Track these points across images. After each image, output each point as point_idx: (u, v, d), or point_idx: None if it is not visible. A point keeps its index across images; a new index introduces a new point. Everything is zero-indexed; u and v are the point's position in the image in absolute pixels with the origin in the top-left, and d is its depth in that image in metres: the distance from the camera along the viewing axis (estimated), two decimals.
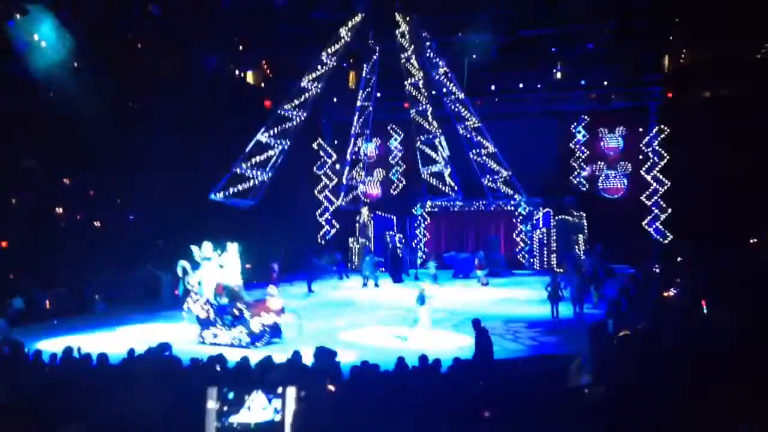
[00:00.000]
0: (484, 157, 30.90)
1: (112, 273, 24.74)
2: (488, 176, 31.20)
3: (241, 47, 31.88)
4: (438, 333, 17.80)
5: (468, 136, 31.13)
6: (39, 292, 22.16)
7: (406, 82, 30.64)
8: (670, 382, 7.88)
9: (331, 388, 7.93)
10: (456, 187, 30.13)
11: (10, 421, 7.43)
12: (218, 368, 10.26)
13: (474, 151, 31.10)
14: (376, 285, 27.28)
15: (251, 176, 26.75)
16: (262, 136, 26.99)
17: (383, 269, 29.47)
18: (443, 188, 30.58)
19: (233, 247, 18.04)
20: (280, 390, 5.61)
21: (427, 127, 30.46)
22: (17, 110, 22.84)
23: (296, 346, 13.34)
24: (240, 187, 26.51)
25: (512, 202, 31.39)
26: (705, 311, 15.87)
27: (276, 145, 27.35)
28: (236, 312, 16.99)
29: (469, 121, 31.00)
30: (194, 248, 18.21)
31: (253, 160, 26.81)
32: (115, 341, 16.42)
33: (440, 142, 30.32)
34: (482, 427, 7.09)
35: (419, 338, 17.00)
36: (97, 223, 26.63)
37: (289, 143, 27.58)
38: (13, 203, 24.30)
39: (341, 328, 19.01)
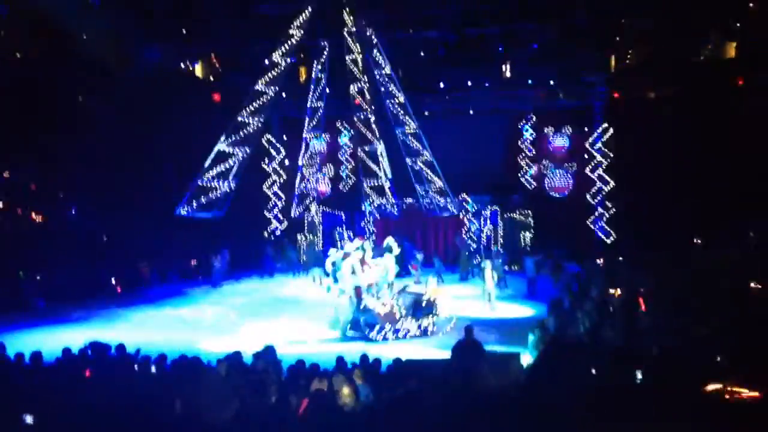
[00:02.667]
0: (420, 165, 30.71)
1: (53, 269, 24.15)
2: (422, 187, 31.13)
3: (187, 40, 31.26)
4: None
5: (408, 141, 30.88)
6: None
7: (351, 86, 30.34)
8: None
9: None
10: (395, 203, 30.13)
11: None
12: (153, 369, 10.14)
13: (410, 159, 30.92)
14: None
15: (215, 187, 26.41)
16: (222, 145, 26.65)
17: None
18: (383, 202, 30.54)
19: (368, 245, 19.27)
20: None
21: (369, 137, 30.26)
22: None
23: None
24: (203, 200, 26.33)
25: (447, 213, 31.25)
26: (644, 310, 16.16)
27: (235, 153, 27.07)
28: (423, 303, 17.74)
29: (407, 126, 30.78)
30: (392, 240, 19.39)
31: (214, 171, 26.50)
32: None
33: (381, 153, 30.13)
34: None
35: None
36: (38, 218, 25.97)
37: (249, 151, 27.37)
38: None
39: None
